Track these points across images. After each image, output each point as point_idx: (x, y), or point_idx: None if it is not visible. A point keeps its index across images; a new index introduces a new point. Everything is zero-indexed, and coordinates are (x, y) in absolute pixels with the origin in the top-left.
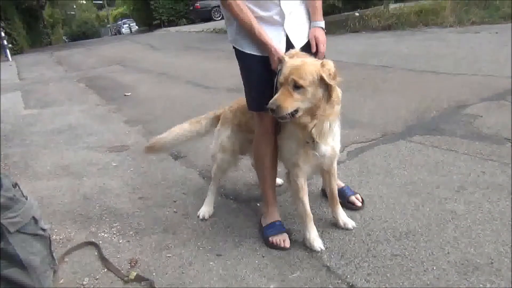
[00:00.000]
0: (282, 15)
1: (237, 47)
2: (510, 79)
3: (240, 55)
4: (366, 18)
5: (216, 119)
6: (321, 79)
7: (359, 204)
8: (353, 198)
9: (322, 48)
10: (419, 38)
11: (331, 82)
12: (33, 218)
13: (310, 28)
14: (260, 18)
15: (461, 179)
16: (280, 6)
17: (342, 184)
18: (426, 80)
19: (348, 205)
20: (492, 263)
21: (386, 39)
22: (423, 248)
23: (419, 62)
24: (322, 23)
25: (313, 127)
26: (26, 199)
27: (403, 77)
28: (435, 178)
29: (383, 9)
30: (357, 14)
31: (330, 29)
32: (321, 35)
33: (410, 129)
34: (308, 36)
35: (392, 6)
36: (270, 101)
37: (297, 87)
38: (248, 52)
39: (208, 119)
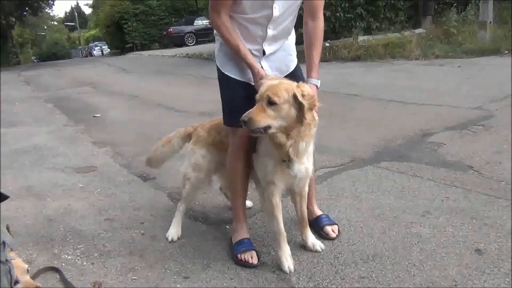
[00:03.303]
0: (262, 52)
1: (221, 70)
2: (472, 110)
3: (222, 76)
4: (336, 48)
5: (187, 137)
6: (295, 98)
7: (333, 235)
8: (328, 228)
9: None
10: (386, 69)
11: (303, 101)
12: (3, 243)
13: (294, 62)
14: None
15: (426, 204)
16: (262, 46)
17: (320, 212)
18: (393, 109)
19: (322, 234)
20: (456, 286)
21: (355, 69)
22: (390, 270)
23: (387, 92)
24: (317, 82)
25: (290, 146)
26: None
27: (371, 106)
28: (402, 203)
29: (352, 40)
30: (327, 44)
31: (301, 58)
32: (313, 92)
33: (377, 156)
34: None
35: (360, 38)
36: (244, 114)
37: (270, 103)
38: (231, 76)
39: (179, 138)
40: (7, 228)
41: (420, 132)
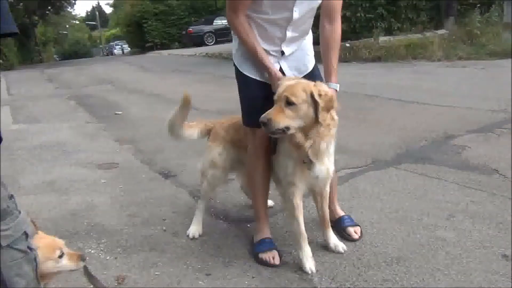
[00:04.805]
0: (280, 53)
1: (239, 69)
2: (496, 113)
3: (241, 76)
4: (356, 49)
5: (207, 131)
6: (312, 98)
7: (356, 237)
8: (350, 229)
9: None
10: (407, 70)
11: (319, 100)
12: (25, 233)
13: (312, 61)
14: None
15: (451, 208)
16: (280, 47)
17: (342, 213)
18: (414, 110)
19: (344, 235)
20: None
21: (376, 70)
22: (414, 274)
23: (408, 93)
24: (336, 86)
25: (309, 147)
26: (19, 213)
27: (391, 107)
28: (425, 206)
29: (373, 41)
30: (347, 44)
31: (320, 58)
32: (331, 92)
33: (399, 157)
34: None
35: (381, 38)
36: (262, 115)
37: (289, 103)
38: (249, 75)
39: (201, 128)
40: (33, 223)
41: (442, 134)
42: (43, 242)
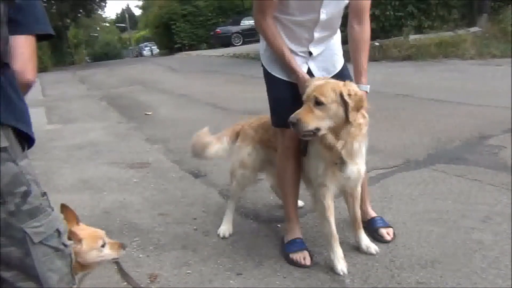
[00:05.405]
0: (308, 54)
1: (267, 69)
2: None
3: (269, 76)
4: (386, 47)
5: (236, 135)
6: (342, 97)
7: (388, 238)
8: (382, 231)
9: None
10: (439, 69)
11: (348, 100)
12: (57, 230)
13: (341, 61)
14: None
15: (487, 209)
16: (308, 47)
17: (374, 214)
18: (447, 110)
19: (376, 236)
20: None
21: (406, 69)
22: (450, 277)
23: (440, 93)
24: (367, 87)
25: (342, 148)
26: (52, 210)
27: (423, 106)
28: (460, 207)
29: (403, 39)
30: (376, 43)
31: (349, 58)
32: (361, 92)
33: (432, 158)
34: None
35: (412, 37)
36: (291, 115)
37: (318, 103)
38: (277, 76)
39: (228, 136)
40: (75, 216)
41: (477, 134)
42: (86, 233)
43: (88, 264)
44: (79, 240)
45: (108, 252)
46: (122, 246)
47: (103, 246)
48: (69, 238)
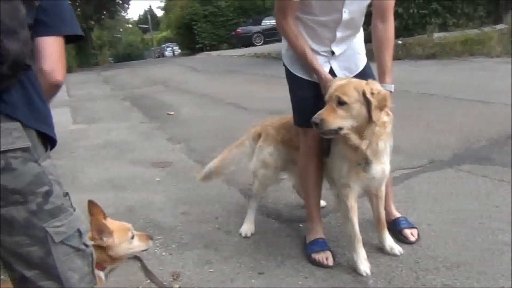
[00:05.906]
0: (330, 53)
1: (289, 69)
2: None
3: (291, 76)
4: (410, 46)
5: (258, 136)
6: (365, 96)
7: (413, 239)
8: (407, 232)
9: None
10: (464, 67)
11: (371, 99)
12: (78, 230)
13: (364, 60)
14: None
15: None
16: (330, 47)
17: (398, 215)
18: (472, 109)
19: (400, 237)
20: None
21: (430, 68)
22: (476, 279)
23: (465, 91)
24: (391, 87)
25: (367, 148)
26: (74, 210)
27: (447, 105)
28: (487, 209)
29: (427, 37)
30: (400, 42)
31: (373, 56)
32: (385, 91)
33: (457, 158)
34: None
35: (436, 35)
36: (314, 115)
37: (341, 103)
38: (299, 75)
39: (250, 138)
40: (102, 212)
41: (504, 134)
42: (115, 226)
43: (119, 257)
44: (110, 233)
45: (137, 244)
46: (150, 237)
47: (132, 237)
48: (101, 232)
